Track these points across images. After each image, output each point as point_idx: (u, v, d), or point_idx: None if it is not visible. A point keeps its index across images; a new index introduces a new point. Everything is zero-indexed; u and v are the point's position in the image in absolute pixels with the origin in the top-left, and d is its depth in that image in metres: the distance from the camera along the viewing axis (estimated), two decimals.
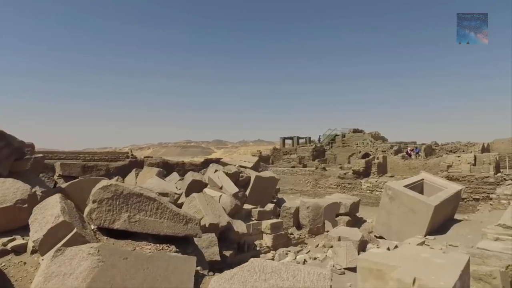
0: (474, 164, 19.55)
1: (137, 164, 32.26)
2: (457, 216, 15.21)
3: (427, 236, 10.64)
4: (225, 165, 13.14)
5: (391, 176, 23.05)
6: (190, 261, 3.79)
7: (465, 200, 18.04)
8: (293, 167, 38.02)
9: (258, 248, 9.19)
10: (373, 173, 22.81)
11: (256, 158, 13.75)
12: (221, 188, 9.52)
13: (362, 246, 9.29)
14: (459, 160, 19.72)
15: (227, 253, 7.83)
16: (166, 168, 20.66)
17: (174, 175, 13.55)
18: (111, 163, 25.59)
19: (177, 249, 4.78)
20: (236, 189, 9.43)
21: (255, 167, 13.24)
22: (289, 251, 9.36)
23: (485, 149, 26.13)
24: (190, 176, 11.32)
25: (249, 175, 12.08)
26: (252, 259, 4.15)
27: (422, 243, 9.90)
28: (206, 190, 9.92)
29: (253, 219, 9.95)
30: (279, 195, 16.02)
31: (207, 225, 7.61)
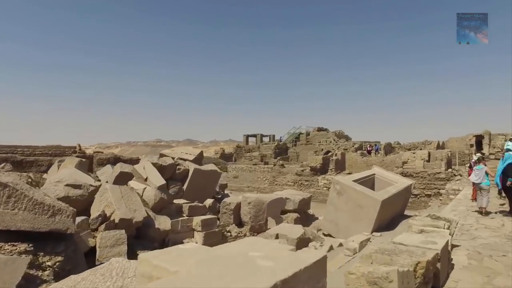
0: (428, 161, 19.72)
1: (86, 159, 30.38)
2: (408, 212, 15.09)
3: (374, 233, 10.17)
4: (163, 157, 12.07)
5: (349, 173, 22.87)
6: (13, 264, 2.81)
7: (418, 196, 18.09)
8: (255, 164, 37.45)
9: None
10: (331, 170, 22.53)
11: (198, 151, 12.79)
12: (146, 180, 8.51)
13: (301, 245, 8.62)
14: (414, 157, 19.82)
15: (142, 253, 6.84)
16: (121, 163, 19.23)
17: (108, 168, 12.28)
18: (55, 158, 23.64)
19: (35, 248, 3.77)
20: (162, 181, 8.45)
21: (197, 160, 12.28)
22: None
23: (440, 147, 26.73)
24: (118, 168, 10.17)
25: (187, 168, 11.11)
26: (112, 259, 3.23)
27: (368, 240, 9.41)
28: (131, 182, 8.86)
29: (184, 215, 9.00)
30: (234, 192, 15.20)
31: (117, 221, 6.59)
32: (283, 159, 40.86)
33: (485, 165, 9.22)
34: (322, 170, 22.46)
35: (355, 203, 10.46)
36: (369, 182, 12.70)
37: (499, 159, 10.25)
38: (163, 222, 7.70)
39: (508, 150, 8.97)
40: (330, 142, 40.69)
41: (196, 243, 8.77)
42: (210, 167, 11.80)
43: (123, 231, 6.34)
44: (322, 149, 37.80)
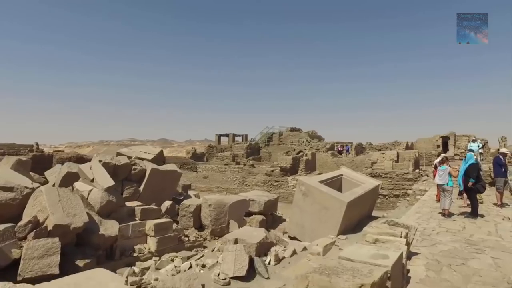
0: (397, 161, 19.87)
1: (44, 159, 28.69)
2: (376, 213, 15.03)
3: (340, 236, 9.86)
4: (120, 156, 11.29)
5: (320, 173, 22.75)
6: None
7: (387, 197, 18.15)
8: (226, 164, 36.88)
9: (136, 254, 7.63)
10: (301, 170, 22.32)
11: (158, 150, 12.09)
12: (93, 181, 7.79)
13: (261, 250, 8.16)
14: (383, 157, 19.92)
15: (82, 262, 6.16)
16: (80, 163, 18.15)
17: (57, 168, 11.37)
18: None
19: None
20: (110, 182, 7.77)
21: (157, 160, 11.59)
22: (177, 256, 7.92)
23: (409, 147, 27.20)
24: (65, 168, 9.38)
25: (144, 168, 10.42)
26: None
27: (332, 244, 9.09)
28: (77, 184, 8.10)
29: (136, 219, 8.34)
30: (203, 193, 14.55)
31: (50, 227, 5.88)
32: (255, 159, 40.53)
33: (449, 166, 9.15)
34: (292, 170, 22.20)
35: (321, 205, 10.15)
36: (336, 183, 12.46)
37: (461, 160, 10.27)
38: (109, 227, 7.03)
39: (470, 150, 8.95)
40: (303, 142, 40.74)
41: (149, 248, 8.15)
42: (170, 167, 11.15)
43: (56, 239, 5.64)
44: (294, 149, 37.73)
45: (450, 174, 8.74)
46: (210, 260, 7.66)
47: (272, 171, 22.77)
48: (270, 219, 13.57)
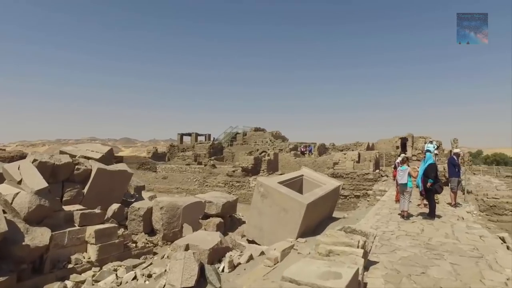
0: (358, 162, 20.04)
1: None
2: (337, 214, 14.94)
3: (299, 239, 9.52)
4: (62, 154, 10.26)
5: (282, 174, 22.52)
6: None
7: (348, 197, 18.20)
8: (188, 164, 35.91)
9: (72, 265, 6.80)
10: (263, 170, 21.97)
11: (107, 148, 11.15)
12: (20, 182, 6.86)
13: (215, 256, 7.62)
14: (345, 158, 20.00)
15: None
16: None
17: None
18: None
19: None
20: (42, 184, 6.86)
21: (106, 159, 10.67)
22: (122, 265, 7.18)
23: (370, 148, 27.73)
24: None
25: (90, 168, 9.52)
26: None
27: (291, 248, 8.71)
28: (1, 186, 7.11)
29: (75, 224, 7.48)
30: (162, 194, 13.68)
31: None
32: (218, 159, 39.82)
33: (409, 166, 9.10)
34: (254, 170, 21.78)
35: (280, 207, 9.77)
36: (297, 184, 12.16)
37: (420, 160, 10.28)
38: (38, 236, 6.18)
39: (427, 151, 8.96)
40: (267, 142, 40.59)
41: (89, 258, 7.34)
42: (120, 166, 10.30)
43: None
44: (258, 149, 37.45)
45: (409, 175, 8.69)
46: (158, 269, 7.01)
47: (234, 171, 22.22)
48: (229, 221, 13.06)
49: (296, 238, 9.42)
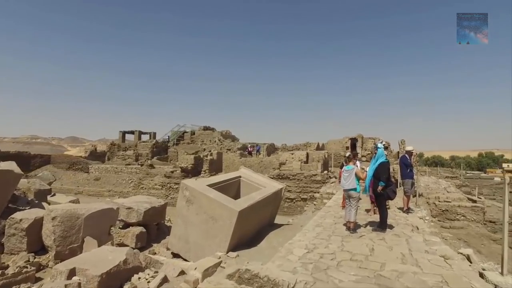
0: (306, 162, 19.07)
1: None
2: (283, 219, 13.69)
3: (230, 253, 7.98)
4: None
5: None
6: None
7: (294, 201, 17.10)
8: (128, 164, 33.23)
9: None
10: (204, 171, 20.30)
11: None
12: None
13: (113, 281, 5.87)
14: (292, 158, 18.93)
15: None
16: None
17: None
18: None
19: None
20: None
21: None
22: None
23: (320, 148, 27.14)
24: None
25: None
26: None
27: (218, 265, 7.16)
28: None
29: None
30: (92, 198, 11.43)
31: None
32: (162, 159, 37.41)
33: (357, 166, 7.81)
34: (194, 171, 20.04)
35: (208, 215, 8.22)
36: (233, 187, 10.69)
37: (369, 161, 9.09)
38: None
39: (378, 148, 7.63)
40: (215, 141, 38.90)
41: None
42: (3, 165, 8.13)
43: None
44: (205, 149, 35.64)
45: (356, 176, 7.25)
46: None
47: (172, 172, 20.30)
48: (155, 230, 11.29)
49: (227, 252, 7.93)
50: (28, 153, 34.20)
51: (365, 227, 7.48)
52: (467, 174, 55.01)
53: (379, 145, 7.56)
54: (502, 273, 4.12)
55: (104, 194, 22.38)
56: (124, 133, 48.17)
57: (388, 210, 7.63)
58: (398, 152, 27.42)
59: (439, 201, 8.70)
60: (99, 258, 6.33)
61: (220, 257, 7.64)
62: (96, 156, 46.66)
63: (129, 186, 22.80)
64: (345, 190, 7.30)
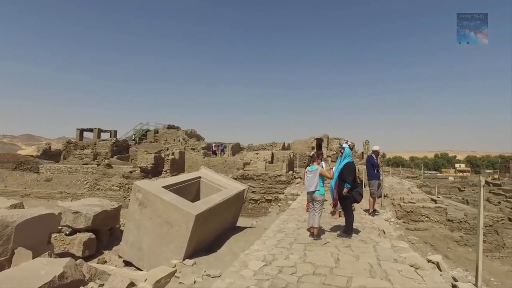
0: (272, 162, 18.69)
1: None
2: (246, 221, 13.19)
3: (186, 260, 7.35)
4: None
5: None
6: None
7: (258, 202, 16.67)
8: (85, 164, 31.44)
9: None
10: (165, 171, 19.41)
11: None
12: None
13: None
14: (257, 158, 18.51)
15: None
16: None
17: None
18: None
19: None
20: None
21: None
22: None
23: (286, 148, 26.93)
24: None
25: None
26: None
27: (172, 275, 6.50)
28: None
29: None
30: (41, 201, 10.18)
31: None
32: (123, 159, 35.79)
33: (322, 166, 7.41)
34: (154, 171, 19.09)
35: (163, 219, 7.57)
36: (192, 188, 10.06)
37: (335, 162, 8.67)
38: None
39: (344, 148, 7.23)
40: (179, 141, 37.76)
41: None
42: None
43: None
44: (168, 148, 34.48)
45: (321, 176, 6.80)
46: None
47: (131, 172, 19.23)
48: (107, 236, 10.41)
49: (183, 259, 7.31)
50: None
51: (330, 231, 7.06)
52: (425, 174, 57.47)
53: (344, 144, 7.18)
54: (476, 285, 3.79)
55: (56, 196, 20.84)
56: (82, 131, 45.54)
57: (353, 212, 7.28)
58: (363, 152, 27.80)
59: (404, 202, 8.58)
60: (28, 273, 5.44)
61: (175, 266, 7.00)
62: (50, 155, 43.78)
63: (84, 188, 21.35)
64: (308, 193, 6.81)
